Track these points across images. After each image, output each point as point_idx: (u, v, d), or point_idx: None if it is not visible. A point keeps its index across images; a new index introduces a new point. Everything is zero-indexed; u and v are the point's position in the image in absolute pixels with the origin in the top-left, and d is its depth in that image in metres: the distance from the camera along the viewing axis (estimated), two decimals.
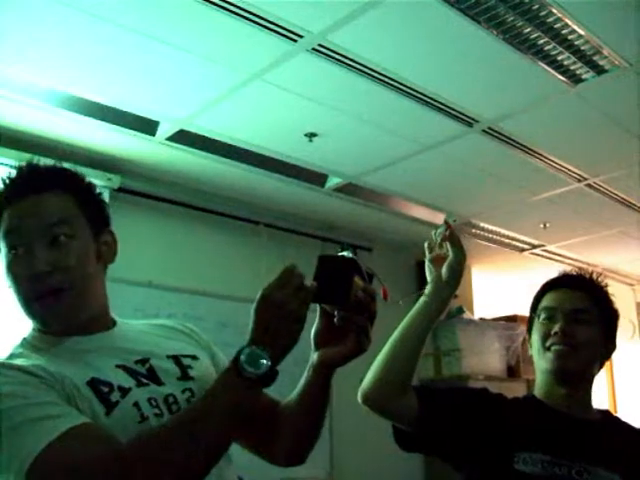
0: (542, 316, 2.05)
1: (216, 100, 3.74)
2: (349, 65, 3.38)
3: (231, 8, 2.91)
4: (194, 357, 1.59)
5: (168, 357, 1.54)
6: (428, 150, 4.46)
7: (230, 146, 4.32)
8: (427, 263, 1.97)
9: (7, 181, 1.52)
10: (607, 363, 2.12)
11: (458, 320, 6.21)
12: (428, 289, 1.94)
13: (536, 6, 2.98)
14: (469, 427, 1.95)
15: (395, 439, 2.01)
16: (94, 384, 1.37)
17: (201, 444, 1.26)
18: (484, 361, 6.24)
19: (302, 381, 1.59)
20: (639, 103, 3.90)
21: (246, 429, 1.54)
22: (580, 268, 2.17)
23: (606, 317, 2.05)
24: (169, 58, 3.29)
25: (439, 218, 5.60)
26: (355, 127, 4.11)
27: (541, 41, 3.23)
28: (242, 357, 1.29)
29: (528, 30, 3.14)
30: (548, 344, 1.98)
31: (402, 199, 5.42)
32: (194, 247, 4.81)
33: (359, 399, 1.90)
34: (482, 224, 6.03)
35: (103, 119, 3.85)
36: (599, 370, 2.07)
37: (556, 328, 1.97)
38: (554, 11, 3.01)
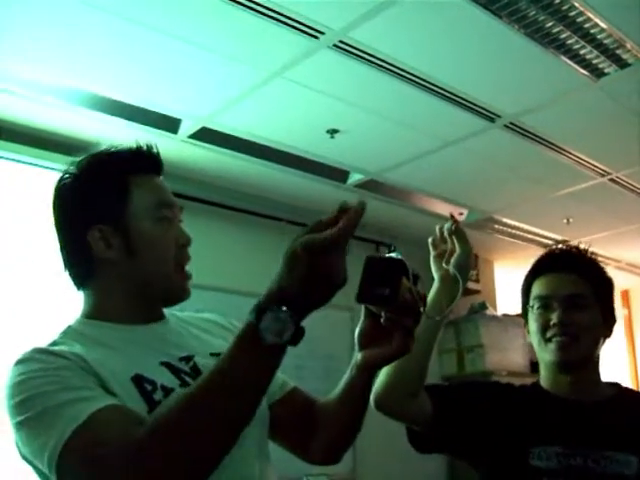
0: (536, 305, 2.00)
1: (238, 98, 3.75)
2: (370, 61, 3.39)
3: (252, 6, 2.92)
4: None
5: (211, 355, 1.51)
6: (450, 146, 4.45)
7: (252, 143, 4.33)
8: (432, 260, 1.94)
9: (133, 151, 1.56)
10: (629, 339, 2.06)
11: (481, 316, 6.19)
12: (434, 287, 1.90)
13: (558, 0, 2.96)
14: (483, 424, 1.93)
15: (409, 441, 2.00)
16: (138, 380, 1.36)
17: (216, 425, 1.15)
18: (507, 357, 6.22)
19: (343, 380, 1.57)
20: None
21: (285, 428, 1.56)
22: (567, 245, 2.10)
23: (602, 294, 1.99)
24: (191, 56, 3.31)
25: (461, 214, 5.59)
26: (376, 123, 4.12)
27: (563, 35, 3.22)
28: (262, 323, 1.12)
29: (550, 24, 3.13)
30: (548, 335, 1.94)
31: (424, 195, 5.41)
32: (216, 244, 4.82)
33: (372, 405, 1.84)
34: (505, 220, 6.00)
35: (126, 117, 3.88)
36: (603, 345, 2.01)
37: (554, 319, 1.92)
38: (576, 5, 3.00)
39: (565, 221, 6.08)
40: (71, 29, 3.06)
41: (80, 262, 1.52)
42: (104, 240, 1.48)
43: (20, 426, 1.27)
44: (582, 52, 3.37)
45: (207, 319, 1.71)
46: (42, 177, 3.94)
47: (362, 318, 1.46)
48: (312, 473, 4.51)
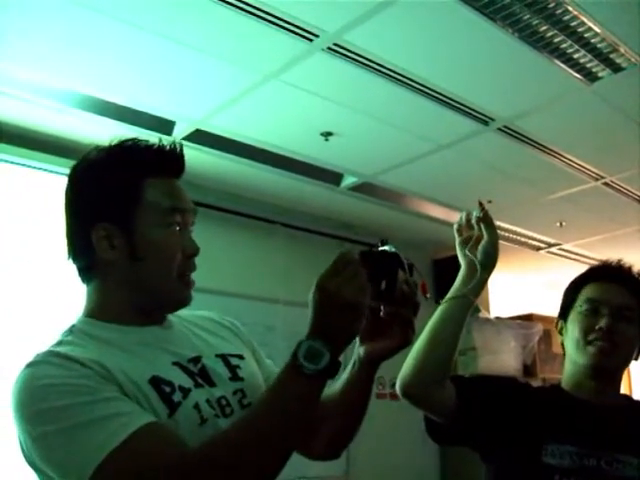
0: (584, 307, 2.00)
1: (232, 100, 3.75)
2: (365, 64, 3.39)
3: (247, 8, 2.92)
4: (240, 357, 1.57)
5: (217, 356, 1.52)
6: (444, 149, 4.46)
7: (246, 145, 4.33)
8: (458, 246, 1.95)
9: (154, 151, 1.50)
10: None
11: (474, 319, 6.19)
12: (462, 273, 1.92)
13: (552, 4, 2.97)
14: (501, 419, 1.94)
15: (428, 432, 2.00)
16: (156, 383, 1.34)
17: (267, 450, 1.24)
18: (500, 360, 6.22)
19: (345, 375, 1.58)
20: None
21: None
22: (620, 261, 2.12)
23: None
24: (185, 58, 3.31)
25: (454, 217, 5.58)
26: (371, 126, 4.12)
27: (557, 39, 3.22)
28: (300, 353, 1.25)
29: (544, 28, 3.13)
30: (591, 338, 1.94)
31: (418, 198, 5.42)
32: (210, 246, 4.79)
33: (398, 392, 1.88)
34: (498, 223, 5.95)
35: (119, 119, 3.87)
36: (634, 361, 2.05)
37: (602, 324, 1.93)
38: (570, 9, 3.00)
39: (558, 224, 6.09)
40: (65, 31, 3.05)
41: (82, 256, 1.48)
42: (108, 239, 1.43)
43: (44, 437, 1.24)
44: (576, 56, 3.37)
45: (206, 317, 1.69)
46: (34, 178, 3.94)
47: None
48: (306, 475, 4.51)
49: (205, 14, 2.96)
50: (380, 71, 3.45)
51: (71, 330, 1.43)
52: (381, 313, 1.46)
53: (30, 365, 1.31)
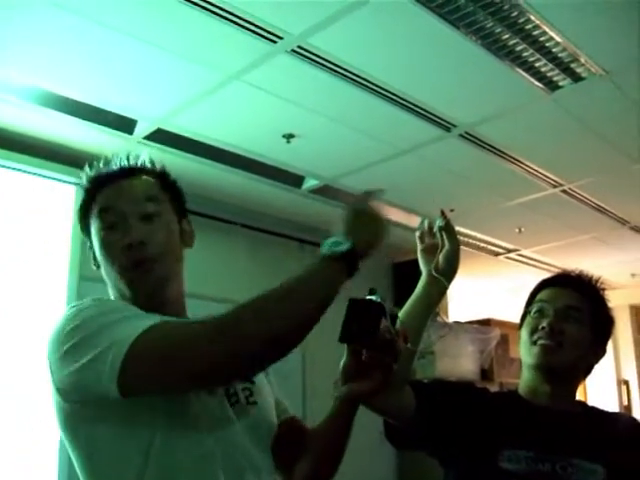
0: (533, 310, 2.02)
1: (194, 99, 3.73)
2: (328, 67, 3.39)
3: (211, 8, 2.91)
4: None
5: None
6: (405, 153, 4.48)
7: (207, 146, 4.32)
8: (420, 254, 1.96)
9: (98, 169, 1.63)
10: None
11: (432, 323, 6.23)
12: (424, 280, 1.93)
13: (515, 13, 3.00)
14: (460, 424, 1.94)
15: (386, 436, 2.00)
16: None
17: (293, 315, 1.34)
18: (458, 364, 6.28)
19: (329, 412, 1.70)
20: (615, 111, 3.94)
21: (278, 449, 1.63)
22: (581, 270, 2.15)
23: (598, 320, 2.01)
24: (148, 57, 3.28)
25: (415, 221, 5.60)
26: (333, 129, 4.12)
27: (519, 47, 3.26)
28: (326, 243, 1.43)
29: (506, 36, 3.16)
30: (535, 338, 1.96)
31: (379, 202, 5.41)
32: None
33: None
34: (458, 228, 5.98)
35: (81, 117, 3.84)
36: (587, 374, 2.06)
37: (544, 323, 1.95)
38: (532, 18, 3.03)
39: (517, 230, 6.16)
40: (26, 26, 3.01)
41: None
42: (92, 251, 1.60)
43: (72, 348, 1.33)
44: (537, 65, 3.41)
45: None
46: None
47: (345, 354, 1.55)
48: None
49: (169, 13, 2.95)
50: (343, 75, 3.46)
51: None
52: (363, 357, 1.52)
53: (74, 305, 1.45)
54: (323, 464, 1.72)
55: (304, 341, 1.36)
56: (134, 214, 1.55)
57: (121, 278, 1.53)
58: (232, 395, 1.52)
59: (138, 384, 1.30)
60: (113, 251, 1.53)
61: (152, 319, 1.35)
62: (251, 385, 1.60)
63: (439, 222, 1.92)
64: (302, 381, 5.63)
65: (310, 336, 1.38)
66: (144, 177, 1.65)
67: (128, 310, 1.42)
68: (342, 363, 1.55)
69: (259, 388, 1.63)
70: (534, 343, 1.97)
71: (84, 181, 1.62)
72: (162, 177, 1.70)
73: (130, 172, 1.64)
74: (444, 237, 1.93)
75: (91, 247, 1.59)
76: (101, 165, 1.64)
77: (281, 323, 1.31)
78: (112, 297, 1.60)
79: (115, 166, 1.63)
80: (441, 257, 1.91)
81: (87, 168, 1.64)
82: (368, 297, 1.49)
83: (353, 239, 1.44)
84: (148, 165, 1.70)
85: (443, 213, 1.93)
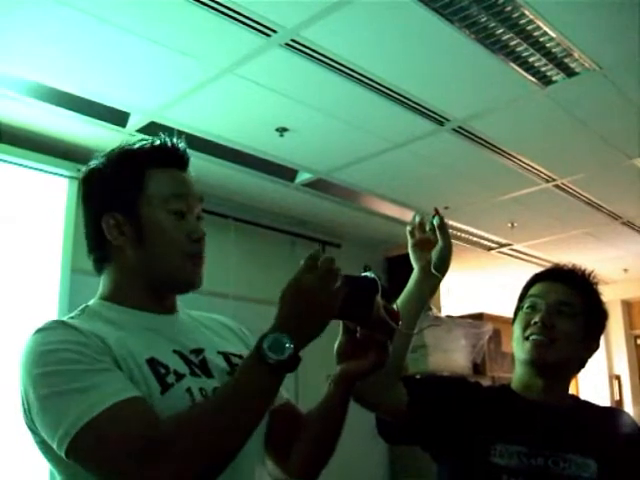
0: (525, 305, 2.03)
1: (188, 93, 3.72)
2: (322, 61, 3.38)
3: (205, 1, 2.90)
4: (241, 357, 1.62)
5: (219, 353, 1.59)
6: (398, 147, 4.48)
7: (201, 139, 4.30)
8: (411, 249, 1.96)
9: (154, 145, 1.62)
10: None
11: (425, 317, 6.23)
12: (416, 276, 1.94)
13: (509, 7, 3.00)
14: (452, 419, 1.95)
15: (379, 431, 2.01)
16: (153, 363, 1.43)
17: (226, 430, 1.31)
18: (450, 358, 6.28)
19: (324, 394, 1.65)
20: (608, 106, 3.94)
21: (272, 437, 1.63)
22: (574, 264, 2.15)
23: (591, 314, 2.02)
24: (141, 50, 3.27)
25: (408, 215, 5.61)
26: (326, 123, 4.12)
27: (513, 42, 3.25)
28: (265, 343, 1.30)
29: (500, 31, 3.16)
30: (527, 334, 1.96)
31: (371, 196, 5.43)
32: None
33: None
34: (450, 222, 6.05)
35: (73, 109, 3.82)
36: (580, 368, 2.06)
37: (536, 318, 1.95)
38: (526, 13, 3.03)
39: (509, 225, 6.17)
40: (19, 19, 3.00)
41: (98, 247, 1.59)
42: (117, 227, 1.54)
43: (40, 398, 1.33)
44: (531, 59, 3.41)
45: (218, 320, 1.78)
46: None
47: (340, 334, 1.55)
48: None
49: (162, 6, 2.94)
50: (337, 68, 3.46)
51: (83, 309, 1.55)
52: (357, 335, 1.52)
53: (37, 331, 1.41)
54: (319, 448, 1.69)
55: None
56: (196, 211, 1.62)
57: (180, 266, 1.56)
58: (215, 389, 1.49)
59: (79, 461, 1.31)
60: (178, 236, 1.55)
61: (117, 388, 1.32)
62: None
63: (434, 220, 1.92)
64: (294, 374, 5.65)
65: None
66: (189, 173, 1.67)
67: (94, 358, 1.36)
68: (337, 343, 1.56)
69: None
70: (527, 338, 1.98)
71: (126, 145, 1.62)
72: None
73: (187, 162, 1.67)
74: (438, 234, 1.93)
75: (125, 218, 1.55)
76: (159, 141, 1.63)
77: (219, 439, 1.31)
78: (110, 285, 1.58)
79: (168, 146, 1.63)
80: (434, 254, 1.92)
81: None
82: (363, 274, 1.48)
83: (294, 335, 1.32)
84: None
85: (437, 211, 1.93)
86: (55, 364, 1.33)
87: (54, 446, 1.30)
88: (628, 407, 8.22)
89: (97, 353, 1.36)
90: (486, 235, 6.51)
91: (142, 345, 1.45)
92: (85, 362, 1.33)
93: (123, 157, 1.61)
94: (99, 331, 1.42)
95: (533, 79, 3.60)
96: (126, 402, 1.30)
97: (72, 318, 1.49)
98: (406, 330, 1.80)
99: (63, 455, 1.29)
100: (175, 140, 1.64)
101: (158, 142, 1.62)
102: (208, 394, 1.46)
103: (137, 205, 1.55)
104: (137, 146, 1.62)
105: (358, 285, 1.44)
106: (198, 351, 1.55)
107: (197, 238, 1.58)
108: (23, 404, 1.39)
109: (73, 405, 1.28)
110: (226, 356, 1.60)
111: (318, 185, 5.12)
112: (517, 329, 2.03)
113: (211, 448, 1.29)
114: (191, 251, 1.57)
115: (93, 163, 1.62)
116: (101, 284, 1.61)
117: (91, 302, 1.58)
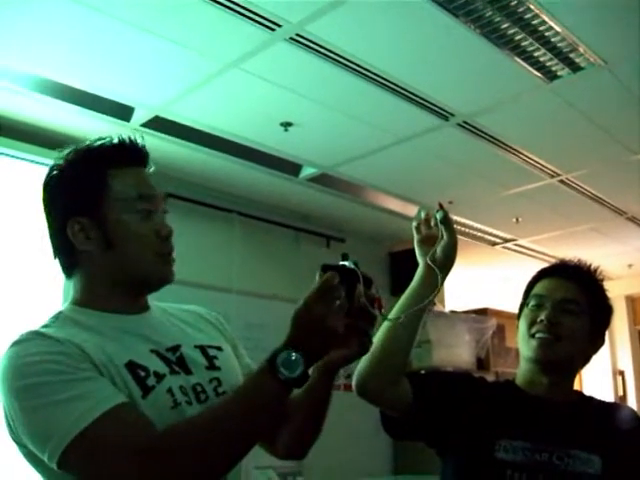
0: (531, 303, 2.03)
1: (192, 87, 3.72)
2: (327, 56, 3.38)
3: None
4: (219, 348, 1.65)
5: (195, 347, 1.60)
6: (403, 142, 4.47)
7: (205, 134, 4.31)
8: (417, 245, 1.96)
9: (114, 144, 1.60)
10: None
11: (429, 312, 6.23)
12: (421, 272, 1.93)
13: (514, 2, 2.99)
14: (456, 414, 1.95)
15: (383, 427, 2.01)
16: (132, 367, 1.42)
17: (232, 440, 1.35)
18: (454, 353, 6.28)
19: (308, 381, 1.64)
20: (613, 101, 3.93)
21: None
22: (579, 259, 2.15)
23: (596, 311, 2.02)
24: (146, 45, 3.27)
25: (412, 210, 5.61)
26: (331, 118, 4.11)
27: (518, 37, 3.25)
28: (279, 359, 1.35)
29: (506, 26, 3.16)
30: (533, 331, 1.96)
31: (376, 190, 5.43)
32: None
33: (354, 390, 1.90)
34: (455, 217, 6.02)
35: (78, 104, 3.83)
36: (585, 364, 2.06)
37: (542, 316, 1.95)
38: (532, 7, 3.02)
39: (514, 220, 6.16)
40: (24, 13, 3.00)
41: (64, 252, 1.57)
42: (83, 232, 1.52)
43: (25, 412, 1.33)
44: (536, 54, 3.40)
45: (190, 311, 1.78)
46: None
47: None
48: (259, 466, 4.51)
49: (167, 1, 2.94)
50: (342, 63, 3.45)
51: (57, 316, 1.52)
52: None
53: (15, 344, 1.40)
54: (304, 433, 1.72)
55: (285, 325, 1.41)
56: (161, 208, 1.61)
57: (153, 263, 1.56)
58: (200, 393, 1.50)
59: (74, 473, 1.32)
60: (148, 236, 1.55)
61: (103, 396, 1.32)
62: (219, 373, 1.58)
63: (438, 215, 1.92)
64: None
65: None
66: (149, 170, 1.65)
67: (75, 367, 1.35)
68: None
69: (227, 372, 1.60)
70: (532, 336, 1.98)
71: (82, 150, 1.59)
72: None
73: (147, 159, 1.65)
74: (442, 230, 1.92)
75: (80, 223, 1.52)
76: (116, 140, 1.61)
77: (223, 449, 1.34)
78: (85, 287, 1.56)
79: (128, 144, 1.61)
80: (439, 249, 1.91)
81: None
82: (341, 263, 1.48)
83: (305, 354, 1.37)
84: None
85: (441, 206, 1.93)
86: (37, 376, 1.33)
87: (44, 458, 1.30)
88: (632, 403, 8.21)
89: (78, 362, 1.35)
90: (490, 230, 6.50)
91: (119, 348, 1.44)
92: (68, 372, 1.33)
93: (83, 159, 1.58)
94: (75, 338, 1.40)
95: (538, 74, 3.59)
96: (116, 409, 1.30)
97: (47, 327, 1.47)
98: (391, 317, 1.81)
99: (55, 467, 1.29)
100: (133, 137, 1.62)
101: (117, 140, 1.60)
102: (188, 391, 1.46)
103: (102, 207, 1.53)
104: (96, 145, 1.59)
105: (337, 274, 1.44)
106: (175, 348, 1.55)
107: (166, 236, 1.59)
108: (7, 419, 1.38)
109: (62, 416, 1.28)
110: (203, 349, 1.60)
111: (322, 180, 5.12)
112: (522, 326, 2.03)
113: (213, 458, 1.31)
114: (161, 250, 1.58)
115: (51, 167, 1.60)
116: (73, 289, 1.59)
117: (64, 307, 1.57)
